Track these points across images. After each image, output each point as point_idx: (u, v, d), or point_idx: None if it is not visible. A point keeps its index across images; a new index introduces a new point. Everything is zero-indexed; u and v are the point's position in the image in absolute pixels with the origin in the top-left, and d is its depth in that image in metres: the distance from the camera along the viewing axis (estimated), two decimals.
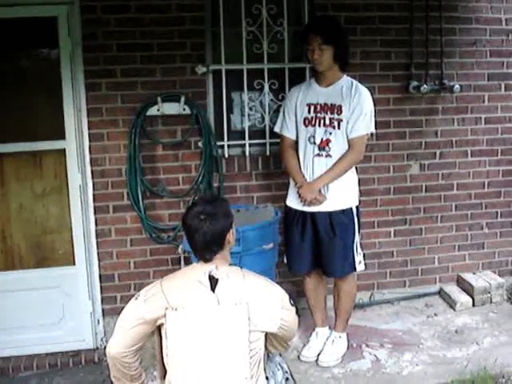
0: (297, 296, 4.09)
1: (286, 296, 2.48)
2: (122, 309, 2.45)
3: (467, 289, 4.57)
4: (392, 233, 4.53)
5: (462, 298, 4.50)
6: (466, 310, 4.45)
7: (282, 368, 2.96)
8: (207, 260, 2.41)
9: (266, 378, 2.56)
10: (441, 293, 4.66)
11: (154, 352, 2.55)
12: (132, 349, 2.37)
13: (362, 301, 4.46)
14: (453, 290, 4.62)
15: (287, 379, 3.12)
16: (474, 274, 4.70)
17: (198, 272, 2.39)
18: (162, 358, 2.41)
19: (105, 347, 4.04)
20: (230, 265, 2.50)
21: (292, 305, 2.51)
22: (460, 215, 4.63)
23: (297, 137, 3.66)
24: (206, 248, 2.40)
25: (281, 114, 3.76)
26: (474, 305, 4.49)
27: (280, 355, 3.05)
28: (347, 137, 3.53)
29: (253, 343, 2.33)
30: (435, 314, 4.41)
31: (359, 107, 3.50)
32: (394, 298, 4.58)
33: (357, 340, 4.00)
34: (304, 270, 3.76)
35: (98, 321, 4.18)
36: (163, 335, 2.37)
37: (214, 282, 2.35)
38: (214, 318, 2.32)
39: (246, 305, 2.33)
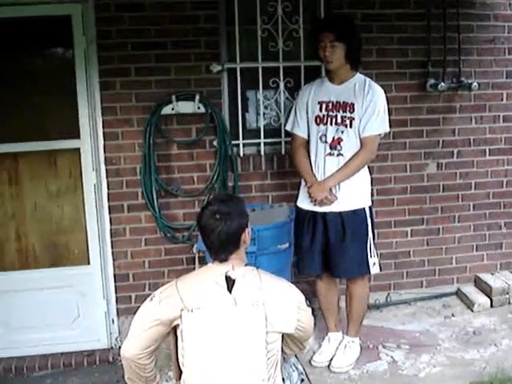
0: (312, 296, 4.03)
1: (302, 297, 2.46)
2: (137, 308, 2.42)
3: (485, 289, 4.51)
4: (409, 233, 4.48)
5: (480, 299, 4.44)
6: (483, 311, 4.39)
7: (297, 369, 2.93)
8: (223, 260, 2.38)
9: (282, 379, 2.53)
10: (458, 293, 4.60)
11: (169, 352, 2.52)
12: (147, 350, 2.34)
13: (379, 301, 4.41)
14: (470, 290, 4.56)
15: (302, 380, 3.10)
16: (491, 274, 4.64)
17: (214, 272, 2.36)
18: (178, 359, 2.38)
19: (119, 347, 4.08)
20: (246, 265, 2.47)
21: (308, 305, 2.49)
22: (478, 215, 4.57)
23: (308, 135, 3.61)
24: (221, 248, 2.37)
25: (292, 111, 3.71)
26: (492, 306, 4.43)
27: (296, 356, 3.03)
28: (359, 135, 3.48)
29: (270, 344, 2.30)
30: (453, 315, 4.36)
31: (372, 105, 3.45)
32: (410, 298, 4.52)
33: (373, 341, 3.96)
34: (315, 272, 3.71)
35: (113, 320, 4.17)
36: (179, 336, 2.34)
37: (230, 282, 2.32)
38: (230, 319, 2.28)
39: (263, 306, 2.29)
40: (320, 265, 3.60)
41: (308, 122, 3.59)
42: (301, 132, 3.61)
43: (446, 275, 4.61)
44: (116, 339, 4.17)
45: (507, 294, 4.46)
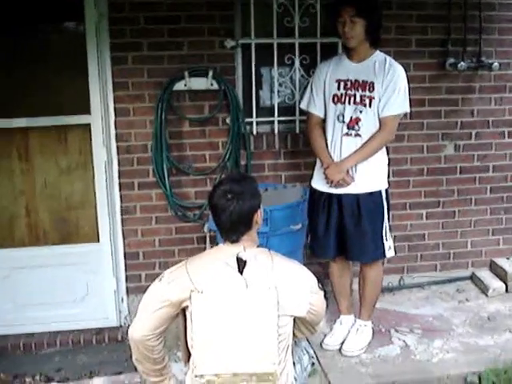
0: (324, 278, 3.96)
1: (315, 279, 2.40)
2: (147, 287, 2.38)
3: (500, 274, 4.44)
4: (424, 215, 4.40)
5: (495, 284, 4.36)
6: (498, 296, 4.32)
7: (308, 353, 2.89)
8: (234, 241, 2.32)
9: (293, 363, 2.48)
10: (473, 278, 4.53)
11: (178, 333, 2.46)
12: (156, 332, 2.29)
13: (392, 284, 4.35)
14: (485, 275, 4.49)
15: (313, 364, 3.06)
16: (507, 259, 4.56)
17: (225, 253, 2.31)
18: (186, 341, 2.33)
19: (128, 325, 4.00)
20: (258, 246, 2.41)
21: (320, 288, 2.43)
22: (495, 198, 4.49)
23: (325, 115, 3.51)
24: (232, 228, 2.31)
25: (308, 89, 3.60)
26: (507, 291, 4.36)
27: (307, 340, 2.98)
28: (378, 116, 3.38)
29: (281, 328, 2.24)
30: (467, 300, 4.29)
31: (392, 84, 3.34)
32: (424, 282, 4.46)
33: (385, 325, 3.89)
34: (329, 256, 3.62)
35: (122, 299, 4.15)
36: (188, 318, 2.28)
37: (241, 264, 2.26)
38: (241, 302, 2.22)
39: (275, 289, 2.23)
40: (334, 248, 3.53)
41: (325, 101, 3.48)
42: (317, 111, 3.52)
43: (461, 259, 4.53)
44: (125, 318, 4.16)
45: None
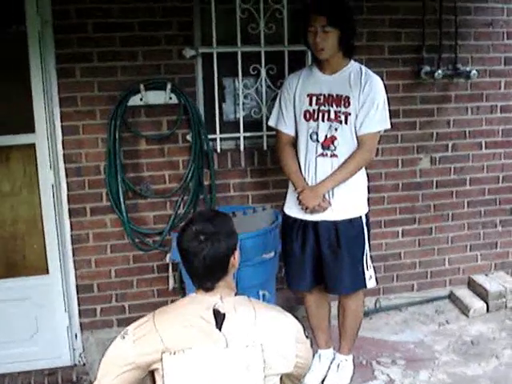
0: (298, 303, 3.78)
1: (300, 327, 2.14)
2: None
3: (480, 293, 4.23)
4: (400, 233, 4.17)
5: (476, 304, 4.15)
6: (479, 317, 4.11)
7: None
8: (208, 289, 2.04)
9: None
10: (451, 297, 4.31)
11: None
12: None
13: (368, 307, 4.06)
14: (464, 294, 4.28)
15: None
16: (486, 275, 4.37)
17: (199, 305, 2.00)
18: None
19: (83, 364, 3.75)
20: (236, 294, 2.09)
21: (307, 337, 2.16)
22: (472, 212, 4.29)
23: (296, 133, 3.20)
24: (206, 275, 2.03)
25: (276, 105, 3.28)
26: (488, 311, 4.16)
27: None
28: (356, 133, 3.09)
29: None
30: (447, 322, 4.07)
31: (370, 99, 3.05)
32: (401, 303, 4.22)
33: (365, 355, 3.63)
34: (305, 288, 3.30)
35: (76, 335, 3.81)
36: (158, 380, 1.97)
37: (219, 318, 1.96)
38: (221, 363, 1.93)
39: (260, 346, 1.95)
40: (310, 280, 3.23)
41: (295, 118, 3.18)
42: (287, 129, 3.20)
43: (438, 277, 4.33)
44: (80, 356, 3.81)
45: (504, 297, 4.18)
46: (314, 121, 3.11)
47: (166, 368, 1.92)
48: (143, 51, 3.57)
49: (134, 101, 3.57)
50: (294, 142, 3.22)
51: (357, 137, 3.08)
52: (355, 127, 3.07)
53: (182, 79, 3.64)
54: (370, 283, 3.24)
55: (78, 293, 3.75)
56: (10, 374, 3.69)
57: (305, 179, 3.13)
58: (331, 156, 3.08)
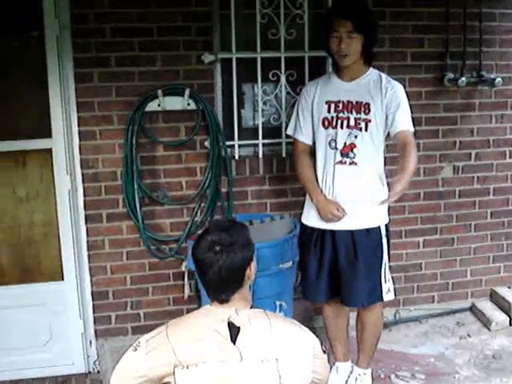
0: (316, 313, 3.73)
1: (318, 342, 2.08)
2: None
3: (503, 305, 4.14)
4: (421, 243, 4.09)
5: (498, 317, 4.07)
6: (502, 330, 4.02)
7: None
8: (223, 301, 1.99)
9: None
10: (473, 309, 4.22)
11: None
12: None
13: (387, 319, 3.98)
14: (486, 306, 4.19)
15: None
16: (508, 287, 4.27)
17: (213, 318, 1.95)
18: None
19: (98, 371, 3.71)
20: (251, 306, 2.04)
21: (324, 352, 2.10)
22: (495, 223, 4.19)
23: (314, 141, 3.15)
24: (221, 286, 1.98)
25: (294, 113, 3.24)
26: (510, 324, 4.06)
27: None
28: (376, 141, 3.02)
29: None
30: (468, 335, 3.98)
31: (395, 99, 2.99)
32: (422, 315, 4.14)
33: (384, 369, 3.55)
34: (321, 300, 3.25)
35: (90, 342, 3.79)
36: None
37: (234, 331, 1.91)
38: (235, 377, 1.87)
39: (276, 361, 1.89)
40: (327, 291, 3.16)
41: (313, 126, 3.12)
42: (303, 137, 3.16)
43: (460, 289, 4.23)
44: (94, 363, 3.79)
45: None
46: (333, 128, 3.05)
47: (179, 382, 1.87)
48: (162, 56, 3.54)
49: (152, 106, 3.54)
50: (311, 151, 3.17)
51: (396, 135, 3.00)
52: (388, 128, 3.02)
53: (201, 85, 3.61)
54: (388, 296, 3.17)
55: (93, 299, 3.73)
56: (24, 380, 3.68)
57: (321, 186, 3.08)
58: (350, 164, 3.02)
